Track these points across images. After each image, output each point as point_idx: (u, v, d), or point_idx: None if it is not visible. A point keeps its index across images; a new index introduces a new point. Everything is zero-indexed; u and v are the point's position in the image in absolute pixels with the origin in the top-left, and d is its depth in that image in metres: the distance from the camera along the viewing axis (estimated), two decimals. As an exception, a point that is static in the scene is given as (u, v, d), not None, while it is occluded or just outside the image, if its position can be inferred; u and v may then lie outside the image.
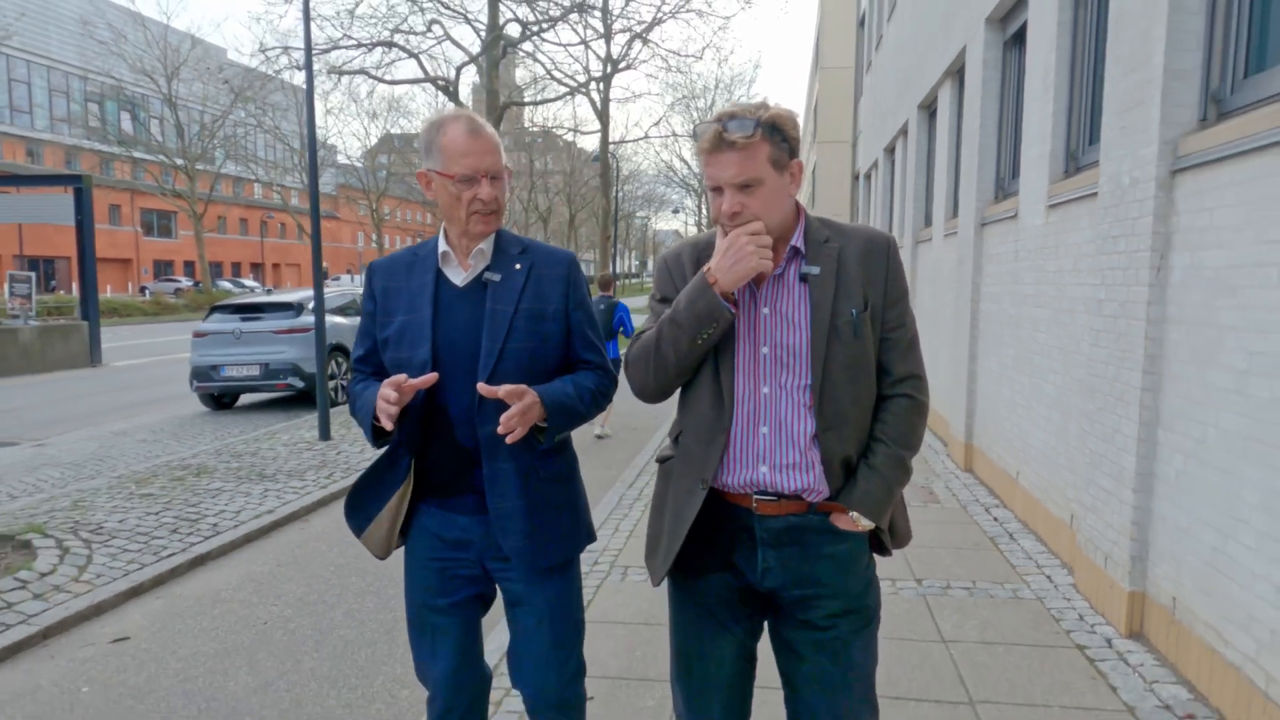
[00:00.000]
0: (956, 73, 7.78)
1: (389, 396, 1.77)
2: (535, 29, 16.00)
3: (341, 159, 47.89)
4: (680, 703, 1.89)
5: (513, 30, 16.00)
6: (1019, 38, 5.99)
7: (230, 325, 10.36)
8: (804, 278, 1.72)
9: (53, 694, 3.39)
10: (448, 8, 15.30)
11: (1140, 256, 3.48)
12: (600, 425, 8.71)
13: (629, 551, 4.71)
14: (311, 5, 11.34)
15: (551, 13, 15.87)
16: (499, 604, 2.10)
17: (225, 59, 45.14)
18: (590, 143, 44.37)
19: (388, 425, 1.81)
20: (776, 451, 1.70)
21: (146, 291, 40.77)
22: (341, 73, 15.72)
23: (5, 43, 29.54)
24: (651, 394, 1.80)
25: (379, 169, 45.11)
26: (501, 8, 15.29)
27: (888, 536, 1.82)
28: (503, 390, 1.77)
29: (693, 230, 54.46)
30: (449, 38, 15.58)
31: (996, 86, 6.45)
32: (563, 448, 2.04)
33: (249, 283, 49.82)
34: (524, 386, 1.81)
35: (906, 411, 1.75)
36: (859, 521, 1.70)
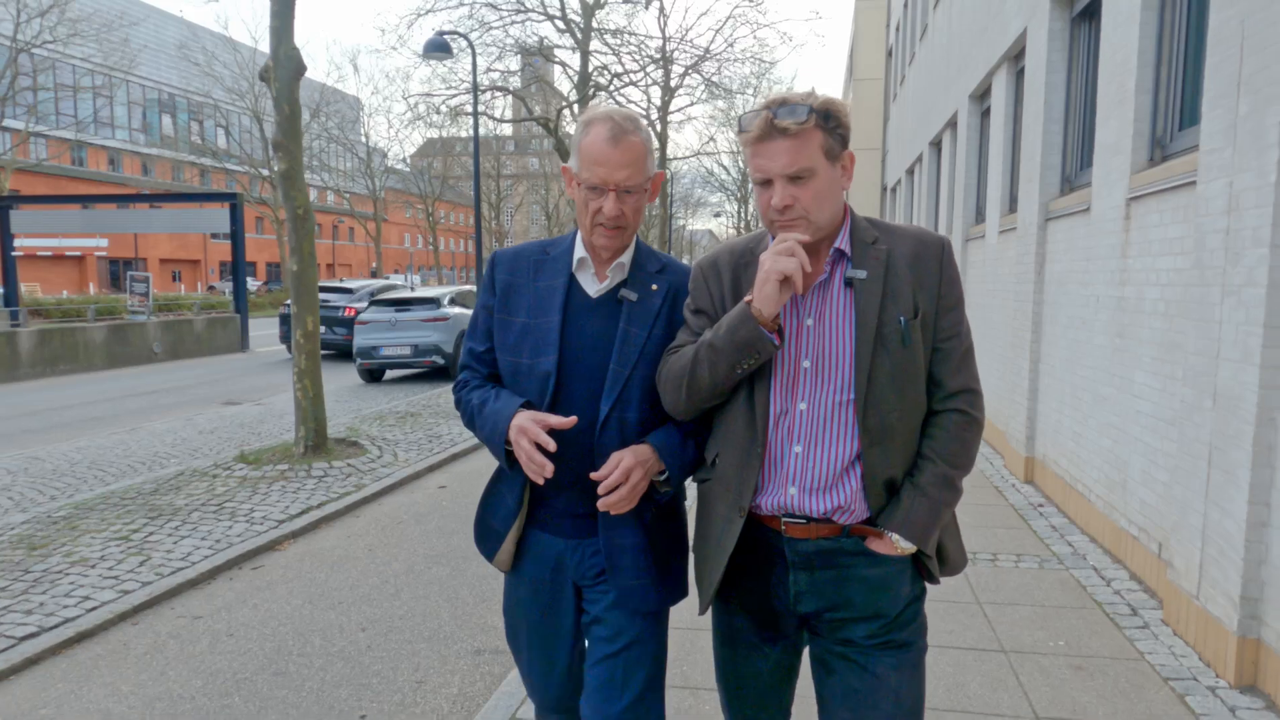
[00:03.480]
0: (952, 125, 10.41)
1: (535, 458, 1.67)
2: (622, 80, 19.21)
3: (393, 163, 51.19)
4: (722, 699, 1.90)
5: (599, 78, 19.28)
6: (989, 112, 8.62)
7: (387, 315, 13.28)
8: (849, 282, 1.61)
9: (426, 503, 6.21)
10: (551, 59, 18.46)
11: (1031, 267, 6.14)
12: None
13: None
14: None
15: (630, 67, 19.16)
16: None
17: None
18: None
19: (540, 481, 1.70)
20: (808, 472, 1.61)
21: (225, 291, 44.46)
22: (461, 114, 18.87)
23: (132, 71, 33.18)
24: (682, 413, 1.73)
25: (424, 172, 47.85)
26: (590, 60, 18.43)
27: (934, 564, 1.68)
28: (608, 470, 1.71)
29: (730, 232, 56.84)
30: (541, 79, 18.74)
31: (976, 143, 9.09)
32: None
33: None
34: (638, 459, 1.73)
35: (958, 427, 1.64)
36: (898, 544, 1.60)
